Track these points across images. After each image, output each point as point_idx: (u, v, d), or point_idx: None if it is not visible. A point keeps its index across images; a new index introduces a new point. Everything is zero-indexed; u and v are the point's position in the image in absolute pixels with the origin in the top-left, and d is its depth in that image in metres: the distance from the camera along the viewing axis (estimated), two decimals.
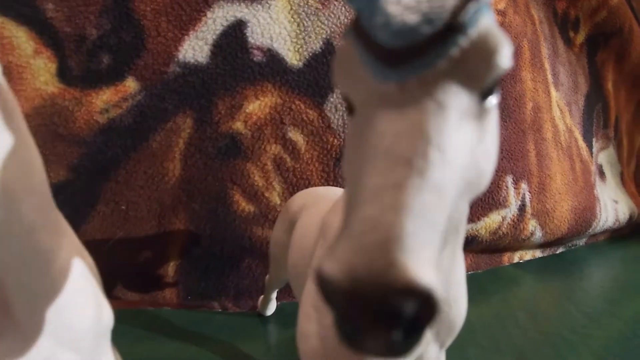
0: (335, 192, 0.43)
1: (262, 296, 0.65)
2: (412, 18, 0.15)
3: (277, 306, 0.66)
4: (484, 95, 0.16)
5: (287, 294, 0.68)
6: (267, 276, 0.59)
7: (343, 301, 0.13)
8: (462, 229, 0.23)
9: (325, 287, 0.13)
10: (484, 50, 0.15)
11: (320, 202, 0.39)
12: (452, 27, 0.15)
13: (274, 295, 0.63)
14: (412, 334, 0.13)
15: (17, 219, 0.24)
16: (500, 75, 0.16)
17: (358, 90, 0.17)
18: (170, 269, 0.68)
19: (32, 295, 0.27)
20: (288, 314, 0.65)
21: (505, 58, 0.16)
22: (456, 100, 0.15)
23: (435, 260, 0.13)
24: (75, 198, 0.63)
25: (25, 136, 0.25)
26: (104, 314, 0.33)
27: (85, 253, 0.34)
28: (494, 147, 0.18)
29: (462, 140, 0.15)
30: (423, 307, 0.12)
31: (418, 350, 0.27)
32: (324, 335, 0.27)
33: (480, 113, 0.17)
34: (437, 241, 0.14)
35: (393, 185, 0.14)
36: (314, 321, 0.28)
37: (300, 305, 0.31)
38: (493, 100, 0.17)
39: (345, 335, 0.14)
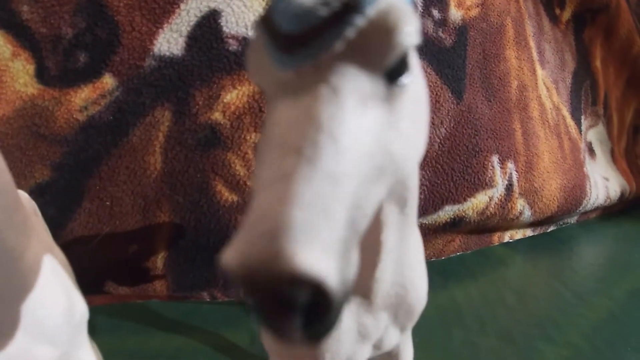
0: None
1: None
2: (309, 0, 0.14)
3: None
4: (390, 76, 0.16)
5: None
6: None
7: (245, 290, 0.13)
8: (411, 212, 0.23)
9: (229, 275, 0.13)
10: (383, 29, 0.15)
11: None
12: (349, 6, 0.14)
13: None
14: (317, 321, 0.13)
15: None
16: (404, 53, 0.15)
17: (266, 80, 0.17)
18: (159, 262, 0.68)
19: (2, 292, 0.27)
20: None
21: (408, 35, 0.15)
22: (354, 84, 0.15)
23: (335, 249, 0.13)
24: (61, 197, 0.64)
25: None
26: (76, 308, 0.34)
27: (57, 250, 0.34)
28: (414, 129, 0.17)
29: (362, 126, 0.15)
30: (317, 295, 0.12)
31: (376, 334, 0.27)
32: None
33: (389, 96, 0.16)
34: (337, 230, 0.13)
35: (282, 175, 0.13)
36: None
37: None
38: (404, 81, 0.16)
39: (261, 322, 0.14)
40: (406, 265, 0.25)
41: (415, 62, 0.17)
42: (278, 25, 0.15)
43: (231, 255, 0.13)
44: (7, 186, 0.28)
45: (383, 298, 0.25)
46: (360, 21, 0.15)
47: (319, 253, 0.12)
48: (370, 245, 0.22)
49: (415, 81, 0.17)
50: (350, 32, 0.15)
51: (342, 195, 0.14)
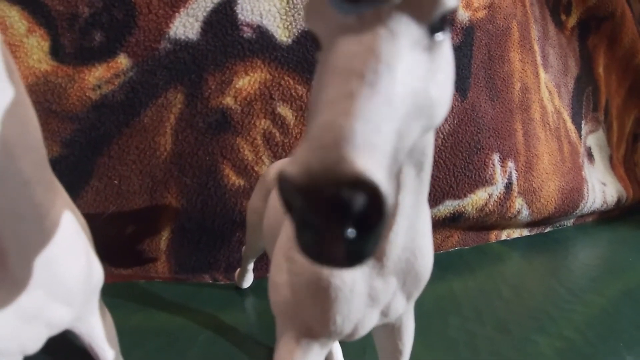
0: None
1: (238, 269, 0.66)
2: None
3: (256, 282, 0.67)
4: (432, 29, 0.18)
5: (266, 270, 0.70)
6: (244, 247, 0.61)
7: (300, 199, 0.14)
8: (425, 177, 0.24)
9: (285, 187, 0.14)
10: None
11: None
12: None
13: (251, 266, 0.64)
14: (365, 233, 0.14)
15: (14, 173, 0.26)
16: (446, 12, 0.18)
17: (325, 25, 0.19)
18: (162, 243, 0.69)
19: (26, 246, 0.28)
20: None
21: None
22: (406, 29, 0.17)
23: (385, 164, 0.14)
24: (69, 173, 0.65)
25: (23, 95, 0.27)
26: (94, 272, 0.35)
27: (78, 212, 0.35)
28: (447, 82, 0.20)
29: (411, 64, 0.17)
30: (371, 200, 0.14)
31: (385, 298, 0.28)
32: (294, 284, 0.27)
33: (430, 46, 0.18)
34: (387, 148, 0.15)
35: (346, 94, 0.15)
36: (285, 271, 0.28)
37: (272, 259, 0.32)
38: (441, 37, 0.18)
39: (304, 244, 0.15)
40: (417, 232, 0.26)
41: (448, 31, 0.20)
42: None
43: (294, 167, 0.14)
44: (38, 143, 0.29)
45: (394, 262, 0.26)
46: None
47: (375, 163, 0.14)
48: None
49: (447, 44, 0.20)
50: None
51: (394, 116, 0.16)
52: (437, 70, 0.19)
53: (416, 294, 0.30)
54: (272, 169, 0.47)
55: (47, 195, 0.30)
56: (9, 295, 0.28)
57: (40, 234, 0.29)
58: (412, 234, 0.26)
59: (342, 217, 0.13)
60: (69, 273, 0.32)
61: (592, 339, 0.57)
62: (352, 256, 0.15)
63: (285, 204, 0.15)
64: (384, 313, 0.29)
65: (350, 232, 0.14)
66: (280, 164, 0.47)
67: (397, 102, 0.16)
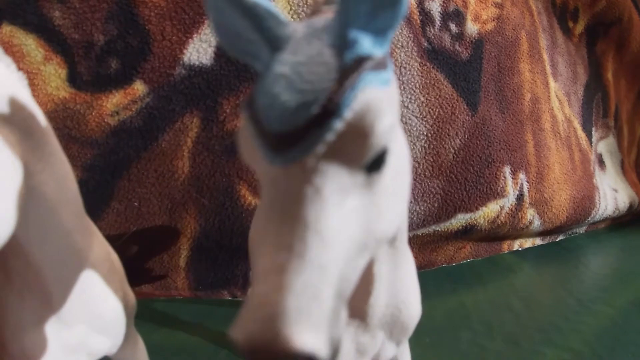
0: None
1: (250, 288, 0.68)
2: (292, 98, 0.15)
3: None
4: (369, 169, 0.17)
5: None
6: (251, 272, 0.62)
7: None
8: (400, 244, 0.25)
9: (237, 350, 0.15)
10: (359, 131, 0.16)
11: None
12: (328, 109, 0.15)
13: None
14: None
15: (56, 225, 0.28)
16: (383, 149, 0.16)
17: (256, 166, 0.18)
18: (182, 260, 0.71)
19: (68, 287, 0.31)
20: None
21: (381, 135, 0.16)
22: (335, 181, 0.16)
23: (324, 325, 0.15)
24: (90, 196, 0.67)
25: (59, 153, 0.29)
26: (128, 302, 0.37)
27: (111, 249, 0.37)
28: (395, 199, 0.19)
29: (343, 217, 0.16)
30: None
31: (373, 351, 0.29)
32: None
33: (369, 182, 0.17)
34: (326, 308, 0.15)
35: (277, 268, 0.15)
36: None
37: None
38: (384, 166, 0.17)
39: None
40: (399, 289, 0.27)
41: (396, 140, 0.18)
42: (263, 121, 0.16)
43: (238, 333, 0.15)
44: (75, 195, 0.31)
45: (378, 319, 0.27)
46: (339, 125, 0.15)
47: (311, 332, 0.14)
48: (364, 277, 0.24)
49: (396, 158, 0.18)
50: (330, 136, 0.16)
51: (329, 279, 0.16)
52: (380, 197, 0.18)
53: (405, 339, 0.31)
54: None
55: (86, 241, 0.32)
56: (54, 330, 0.31)
57: (81, 275, 0.32)
58: (394, 291, 0.27)
59: None
60: (106, 307, 0.34)
61: (599, 351, 0.58)
62: None
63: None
64: None
65: None
66: None
67: (331, 265, 0.16)
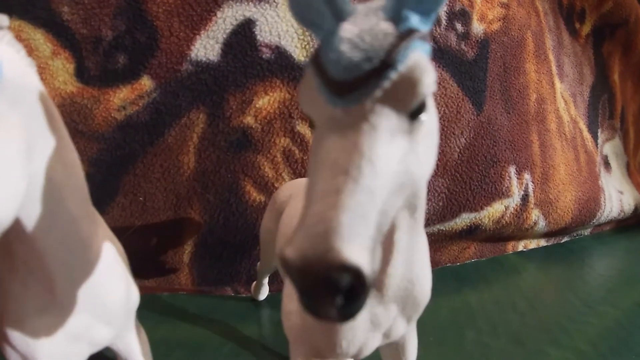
0: None
1: (254, 282, 0.68)
2: (356, 55, 0.19)
3: (271, 294, 0.69)
4: (412, 115, 0.20)
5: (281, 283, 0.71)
6: (259, 263, 0.63)
7: (299, 278, 0.17)
8: (419, 217, 0.26)
9: (286, 267, 0.17)
10: (410, 82, 0.19)
11: None
12: (386, 63, 0.19)
13: (266, 280, 0.67)
14: (352, 301, 0.17)
15: (63, 212, 0.28)
16: (425, 99, 0.20)
17: (316, 111, 0.21)
18: (185, 256, 0.71)
19: (73, 276, 0.31)
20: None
21: (427, 86, 0.19)
22: (387, 121, 0.19)
23: (368, 246, 0.17)
24: (96, 190, 0.66)
25: (67, 140, 0.29)
26: (132, 294, 0.37)
27: (116, 239, 0.37)
28: (428, 154, 0.22)
29: (391, 153, 0.19)
30: (355, 279, 0.16)
31: (386, 323, 0.30)
32: (302, 311, 0.30)
33: (411, 129, 0.20)
34: (370, 231, 0.17)
35: (334, 189, 0.18)
36: (296, 300, 0.31)
37: (284, 288, 0.34)
38: (422, 118, 0.20)
39: (305, 306, 0.18)
40: (414, 263, 0.29)
41: (431, 102, 0.22)
42: (330, 72, 0.20)
43: (292, 251, 0.17)
44: (82, 182, 0.31)
45: (393, 291, 0.29)
46: (393, 76, 0.19)
47: (359, 249, 0.17)
48: (385, 244, 0.25)
49: (430, 117, 0.21)
50: (386, 84, 0.19)
51: (375, 204, 0.18)
52: (417, 148, 0.21)
53: (416, 317, 0.33)
54: (281, 192, 0.49)
55: (91, 229, 0.32)
56: (57, 318, 0.31)
57: (85, 263, 0.32)
58: (409, 265, 0.28)
59: (332, 292, 0.17)
60: (110, 297, 0.34)
61: (604, 352, 0.58)
62: (343, 316, 0.18)
63: (288, 276, 0.18)
64: (386, 335, 0.32)
65: (339, 300, 0.17)
66: (291, 187, 0.48)
67: (378, 191, 0.18)
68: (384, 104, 0.19)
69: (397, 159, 0.19)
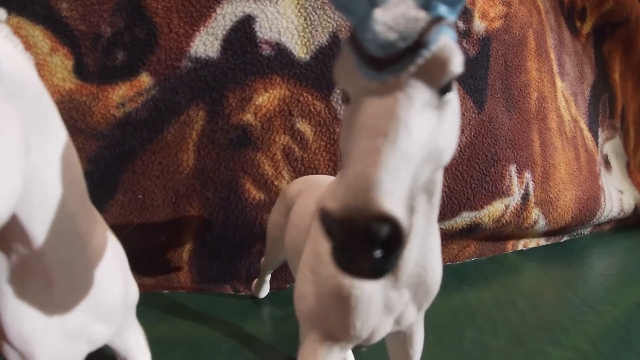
0: (328, 180, 0.46)
1: (255, 280, 0.68)
2: (392, 35, 0.21)
3: (272, 292, 0.69)
4: (441, 91, 0.22)
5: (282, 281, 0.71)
6: (263, 259, 0.62)
7: (338, 229, 0.18)
8: (435, 202, 0.28)
9: (326, 219, 0.19)
10: (441, 60, 0.21)
11: (316, 188, 0.43)
12: (419, 43, 0.21)
13: (268, 278, 0.66)
14: (388, 254, 0.18)
15: (60, 207, 0.27)
16: (453, 77, 0.22)
17: (353, 85, 0.23)
18: (185, 254, 0.71)
19: (71, 273, 0.30)
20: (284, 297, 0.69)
21: (456, 65, 0.22)
22: (420, 94, 0.21)
23: (403, 203, 0.19)
24: (95, 188, 0.66)
25: (64, 135, 0.29)
26: (130, 291, 0.37)
27: (114, 237, 0.37)
28: (453, 131, 0.24)
29: (423, 122, 0.21)
30: (393, 231, 0.18)
31: (399, 308, 0.31)
32: (318, 293, 0.31)
33: (439, 105, 0.22)
34: (405, 190, 0.19)
35: (373, 149, 0.19)
36: (311, 283, 0.32)
37: (297, 271, 0.35)
38: (449, 96, 0.22)
39: (339, 261, 0.19)
40: (428, 249, 0.30)
41: (455, 86, 0.24)
42: (367, 49, 0.22)
43: (334, 203, 0.19)
44: (79, 178, 0.31)
45: (407, 276, 0.30)
46: (426, 54, 0.21)
47: (396, 203, 0.18)
48: None
49: (454, 98, 0.24)
50: (420, 61, 0.21)
51: (410, 166, 0.20)
52: (444, 123, 0.22)
53: (426, 305, 0.33)
54: (292, 187, 0.49)
55: (89, 225, 0.32)
56: (55, 316, 0.31)
57: (83, 260, 0.31)
58: (423, 251, 0.30)
59: (371, 243, 0.18)
60: (109, 294, 0.34)
61: (604, 351, 0.58)
62: (377, 271, 0.19)
63: (325, 230, 0.19)
64: (397, 321, 0.32)
65: (377, 253, 0.18)
66: (301, 183, 0.49)
67: (412, 154, 0.20)
68: (417, 79, 0.21)
69: (428, 129, 0.21)
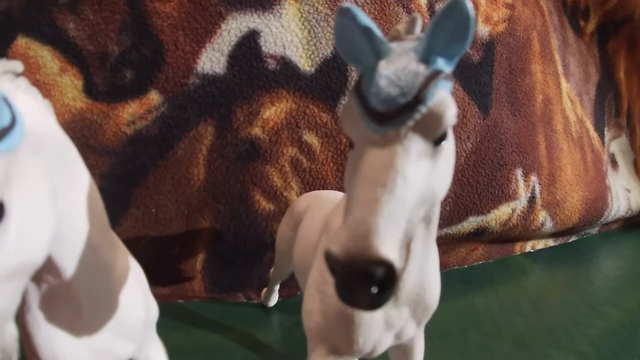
0: (336, 195, 0.48)
1: (265, 289, 0.69)
2: (393, 90, 0.23)
3: (281, 300, 0.70)
4: (436, 142, 0.24)
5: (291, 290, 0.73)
6: (272, 269, 0.64)
7: (341, 269, 0.21)
8: (433, 229, 0.29)
9: (331, 260, 0.21)
10: (436, 114, 0.23)
11: (323, 203, 0.45)
12: (418, 99, 0.22)
13: (277, 287, 0.68)
14: (384, 290, 0.21)
15: (85, 242, 0.29)
16: (447, 129, 0.24)
17: (357, 134, 0.25)
18: (198, 264, 0.73)
19: (96, 298, 0.32)
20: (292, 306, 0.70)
21: (450, 119, 0.23)
22: (416, 145, 0.23)
23: (398, 246, 0.21)
24: (109, 204, 0.68)
25: (84, 173, 0.30)
26: (151, 309, 0.39)
27: (134, 260, 0.39)
28: (446, 174, 0.25)
29: (419, 171, 0.23)
30: (388, 272, 0.20)
31: (399, 325, 0.33)
32: (324, 311, 0.34)
33: (434, 153, 0.24)
34: (400, 233, 0.21)
35: (373, 199, 0.21)
36: (317, 301, 0.34)
37: (305, 289, 0.37)
38: (444, 145, 0.24)
39: (342, 295, 0.22)
40: (426, 270, 0.32)
41: (451, 131, 0.26)
42: (370, 103, 0.23)
43: (337, 247, 0.21)
44: (101, 211, 0.32)
45: (406, 295, 0.32)
46: (424, 109, 0.22)
47: (392, 248, 0.20)
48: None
49: (449, 143, 0.25)
50: (417, 116, 0.23)
51: (405, 210, 0.22)
52: (439, 168, 0.24)
53: (425, 320, 0.35)
54: (299, 202, 0.50)
55: (112, 254, 0.33)
56: (83, 338, 0.32)
57: (108, 286, 0.33)
58: (421, 272, 0.31)
59: (369, 282, 0.20)
60: (131, 315, 0.36)
61: (606, 354, 0.58)
62: (374, 304, 0.21)
63: (330, 269, 0.22)
64: (398, 336, 0.35)
65: (374, 289, 0.21)
66: (309, 198, 0.50)
67: (408, 202, 0.22)
68: (414, 132, 0.23)
69: (423, 177, 0.23)
